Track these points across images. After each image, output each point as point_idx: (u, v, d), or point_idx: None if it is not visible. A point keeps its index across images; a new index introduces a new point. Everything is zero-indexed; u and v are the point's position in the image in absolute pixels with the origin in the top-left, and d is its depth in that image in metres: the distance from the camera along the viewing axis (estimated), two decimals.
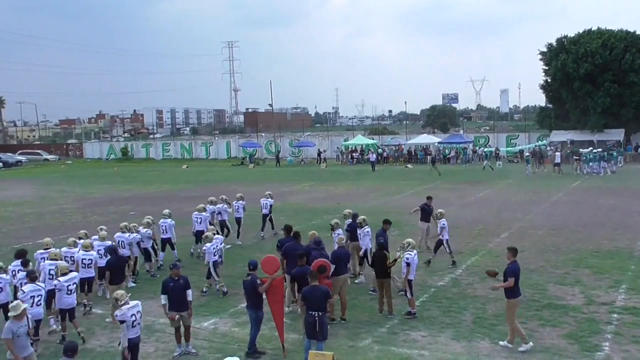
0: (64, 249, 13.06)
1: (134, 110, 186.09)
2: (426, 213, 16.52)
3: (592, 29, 49.09)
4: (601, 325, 10.72)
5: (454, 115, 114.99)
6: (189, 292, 10.04)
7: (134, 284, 14.20)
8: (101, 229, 14.61)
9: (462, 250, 16.82)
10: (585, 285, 13.18)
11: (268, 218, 19.57)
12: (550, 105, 53.87)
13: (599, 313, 11.34)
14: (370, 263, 13.57)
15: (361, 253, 13.96)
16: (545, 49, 50.90)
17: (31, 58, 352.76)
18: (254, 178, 41.76)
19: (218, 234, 17.80)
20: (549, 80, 50.81)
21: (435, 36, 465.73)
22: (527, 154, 44.49)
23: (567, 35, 49.78)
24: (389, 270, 11.65)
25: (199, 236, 16.28)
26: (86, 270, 12.42)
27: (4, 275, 11.05)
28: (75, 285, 10.91)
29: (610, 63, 45.71)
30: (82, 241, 13.20)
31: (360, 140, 58.57)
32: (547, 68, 50.71)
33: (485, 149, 51.90)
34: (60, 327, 10.88)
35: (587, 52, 46.05)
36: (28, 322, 8.54)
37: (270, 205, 19.56)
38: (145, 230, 15.22)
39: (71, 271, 11.50)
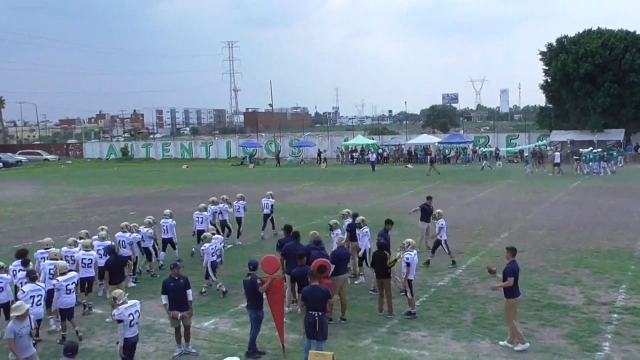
0: (65, 248, 13.07)
1: (134, 110, 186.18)
2: (426, 213, 16.52)
3: (592, 29, 49.12)
4: (601, 325, 10.72)
5: (454, 115, 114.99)
6: (189, 291, 10.04)
7: (134, 284, 14.21)
8: (102, 229, 14.61)
9: (462, 250, 16.82)
10: (585, 285, 13.18)
11: (270, 218, 19.57)
12: (550, 105, 53.88)
13: (599, 313, 11.34)
14: (369, 263, 13.60)
15: (360, 254, 13.93)
16: (545, 49, 50.92)
17: (31, 58, 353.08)
18: (254, 178, 41.76)
19: (219, 233, 17.86)
20: (549, 80, 50.83)
21: (435, 36, 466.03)
22: (527, 153, 44.50)
23: (567, 35, 49.81)
24: (389, 270, 11.65)
25: (199, 236, 16.29)
26: (86, 270, 12.42)
27: (4, 275, 11.05)
28: (74, 285, 10.91)
29: (610, 63, 45.72)
30: (82, 241, 13.20)
31: (360, 140, 58.58)
32: (547, 68, 50.73)
33: (484, 149, 51.91)
34: (60, 327, 10.87)
35: (587, 52, 46.07)
36: (31, 322, 8.53)
37: (272, 205, 19.57)
38: (146, 229, 15.23)
39: (70, 270, 11.52)
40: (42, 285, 10.59)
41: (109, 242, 13.56)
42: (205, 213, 17.14)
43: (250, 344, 9.79)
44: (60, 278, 10.69)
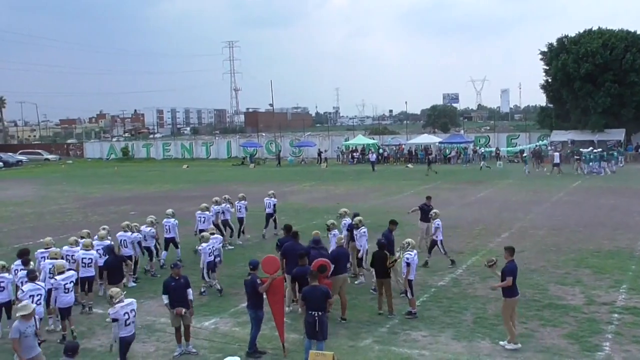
0: (65, 247, 13.09)
1: (135, 110, 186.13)
2: (425, 213, 16.49)
3: (593, 29, 49.08)
4: (602, 325, 10.72)
5: (454, 115, 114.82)
6: (190, 291, 10.06)
7: (134, 284, 14.22)
8: (103, 229, 14.62)
9: (462, 250, 16.82)
10: (585, 285, 13.17)
11: (272, 218, 19.57)
12: (551, 105, 53.83)
13: (599, 313, 11.34)
14: (369, 263, 13.60)
15: (360, 254, 13.88)
16: (545, 49, 50.87)
17: (31, 58, 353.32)
18: (254, 178, 41.77)
19: (221, 234, 17.86)
20: (550, 80, 50.79)
21: (435, 36, 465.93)
22: (525, 153, 44.49)
23: (567, 35, 49.76)
24: (390, 270, 11.65)
25: None
26: (86, 270, 12.42)
27: (6, 275, 11.07)
28: (72, 284, 10.90)
29: (611, 63, 45.69)
30: (82, 240, 13.20)
31: (360, 140, 58.56)
32: (547, 68, 50.68)
33: (483, 149, 51.86)
34: (60, 327, 10.88)
35: (587, 52, 46.04)
36: (36, 322, 8.52)
37: (274, 205, 19.58)
38: (149, 229, 15.23)
39: (70, 270, 11.53)
40: (42, 284, 10.60)
41: (108, 242, 13.57)
42: (207, 213, 17.16)
43: (251, 344, 9.79)
44: (58, 277, 10.70)
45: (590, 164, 38.63)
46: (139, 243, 14.91)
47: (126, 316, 8.62)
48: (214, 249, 13.41)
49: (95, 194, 34.62)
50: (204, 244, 13.22)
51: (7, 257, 13.98)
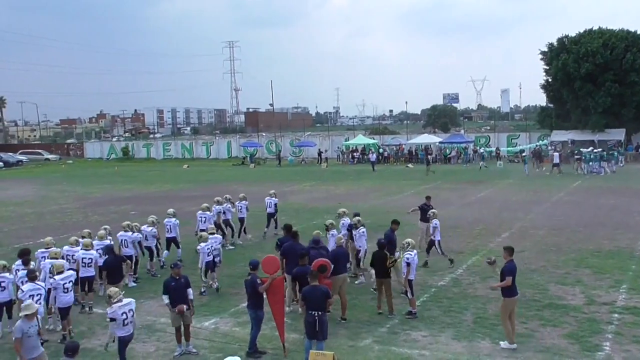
0: (66, 247, 13.09)
1: (135, 110, 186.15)
2: (425, 213, 16.47)
3: (593, 29, 49.08)
4: (602, 325, 10.72)
5: (454, 115, 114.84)
6: (190, 290, 10.07)
7: (134, 284, 14.22)
8: (104, 229, 14.64)
9: (462, 250, 16.82)
10: (586, 285, 13.17)
11: (274, 218, 19.56)
12: (551, 105, 53.82)
13: (599, 313, 11.33)
14: (366, 264, 13.59)
15: (360, 255, 13.85)
16: (546, 49, 50.87)
17: (32, 58, 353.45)
18: (254, 178, 41.78)
19: (223, 234, 17.88)
20: (550, 80, 50.78)
21: (435, 36, 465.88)
22: (524, 153, 44.51)
23: (567, 35, 49.77)
24: (390, 270, 11.65)
25: None
26: (86, 270, 12.42)
27: (6, 274, 11.09)
28: (71, 284, 10.90)
29: (611, 63, 45.68)
30: (83, 240, 13.20)
31: (361, 140, 58.56)
32: (547, 68, 50.68)
33: (482, 149, 51.86)
34: (60, 327, 10.88)
35: (588, 51, 46.04)
36: (38, 322, 8.52)
37: (275, 204, 19.58)
38: (150, 228, 15.23)
39: (70, 269, 11.54)
40: (42, 284, 10.60)
41: (107, 242, 13.57)
42: (208, 213, 17.17)
43: (251, 344, 9.79)
44: (57, 277, 10.70)
45: (590, 163, 38.63)
46: (139, 243, 14.91)
47: (124, 316, 8.62)
48: (212, 248, 13.39)
49: (96, 194, 34.63)
50: (202, 244, 13.22)
51: (7, 257, 13.97)
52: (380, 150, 55.62)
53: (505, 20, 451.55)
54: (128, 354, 9.64)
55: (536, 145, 49.76)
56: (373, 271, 13.56)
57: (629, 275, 13.82)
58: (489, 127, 78.04)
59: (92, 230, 14.84)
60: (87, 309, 12.40)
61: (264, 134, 75.45)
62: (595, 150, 40.09)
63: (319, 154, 55.93)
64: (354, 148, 57.18)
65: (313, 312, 9.03)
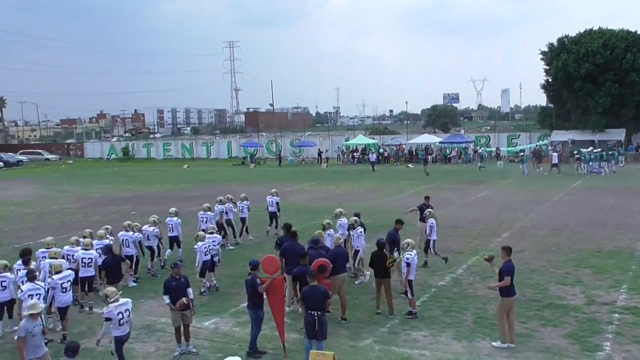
0: (66, 247, 13.10)
1: (135, 110, 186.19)
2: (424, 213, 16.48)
3: (593, 29, 49.09)
4: (602, 325, 10.71)
5: (455, 115, 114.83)
6: (190, 290, 10.07)
7: (135, 284, 14.22)
8: (105, 228, 14.65)
9: (462, 250, 16.82)
10: (586, 285, 13.17)
11: (276, 217, 19.51)
12: (551, 105, 53.82)
13: (600, 313, 11.33)
14: (360, 264, 13.55)
15: (359, 255, 13.80)
16: (546, 49, 50.88)
17: (32, 58, 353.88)
18: (255, 178, 41.78)
19: (225, 233, 17.89)
20: (550, 80, 50.79)
21: (435, 36, 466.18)
22: (522, 153, 44.53)
23: (568, 35, 49.78)
24: (390, 270, 11.65)
25: None
26: (86, 270, 12.42)
27: (7, 274, 11.10)
28: (69, 283, 10.90)
29: (611, 63, 45.69)
30: (83, 240, 13.20)
31: (361, 140, 58.55)
32: (548, 68, 50.69)
33: (481, 149, 51.89)
34: (61, 327, 10.88)
35: (588, 51, 46.04)
36: (42, 321, 8.52)
37: (277, 203, 19.57)
38: (152, 228, 15.23)
39: (70, 269, 11.53)
40: (42, 284, 10.60)
41: (106, 241, 13.56)
42: (209, 213, 17.17)
43: (251, 344, 9.79)
44: (55, 276, 10.70)
45: (590, 163, 38.63)
46: (140, 243, 14.91)
47: (120, 316, 8.62)
48: (210, 248, 13.38)
49: (96, 194, 34.63)
50: (199, 243, 13.21)
51: (7, 256, 13.95)
52: (381, 150, 55.62)
53: (505, 20, 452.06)
54: (128, 354, 9.66)
55: (536, 145, 49.77)
56: (368, 272, 13.63)
57: (629, 275, 13.82)
58: (489, 127, 78.04)
59: (93, 230, 14.84)
60: (87, 308, 12.40)
61: (264, 134, 75.45)
62: (595, 151, 40.08)
63: (319, 154, 55.95)
64: (354, 148, 57.17)
65: (312, 312, 9.04)
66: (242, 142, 67.69)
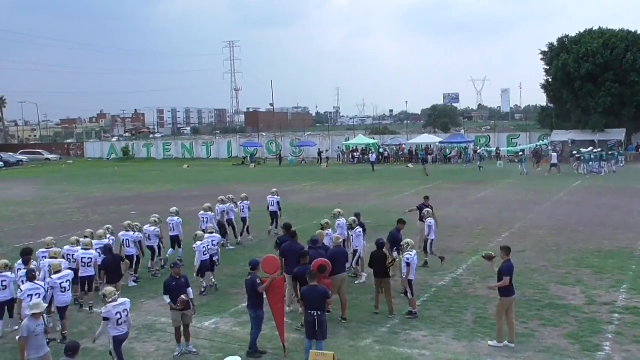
0: (67, 247, 13.10)
1: (135, 110, 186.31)
2: None
3: (593, 29, 49.09)
4: (602, 325, 10.71)
5: (455, 115, 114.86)
6: (190, 290, 10.07)
7: (135, 284, 14.22)
8: (107, 228, 14.66)
9: (462, 250, 16.82)
10: (586, 285, 13.16)
11: (277, 216, 19.50)
12: (552, 105, 53.81)
13: (600, 313, 11.33)
14: (364, 264, 13.53)
15: (358, 255, 13.77)
16: (546, 49, 50.88)
17: (32, 58, 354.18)
18: (255, 178, 41.77)
19: (225, 233, 17.88)
20: (550, 80, 50.78)
21: (435, 36, 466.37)
22: (521, 153, 44.54)
23: (568, 35, 49.78)
24: (389, 270, 11.65)
25: None
26: (86, 269, 12.42)
27: (8, 273, 11.10)
28: (68, 283, 10.90)
29: (612, 63, 45.69)
30: (83, 240, 13.20)
31: (361, 140, 58.55)
32: (548, 68, 50.68)
33: (480, 149, 51.87)
34: (60, 326, 10.88)
35: (588, 51, 46.03)
36: (45, 320, 8.52)
37: (278, 202, 19.55)
38: (153, 228, 15.23)
39: (70, 269, 11.52)
40: (41, 284, 10.60)
41: (106, 241, 13.55)
42: (210, 213, 17.17)
43: (252, 344, 9.79)
44: (54, 276, 10.71)
45: (590, 163, 38.62)
46: (140, 242, 14.91)
47: (118, 316, 8.62)
48: (208, 248, 13.37)
49: (96, 194, 34.62)
50: (198, 242, 13.22)
51: (8, 256, 13.96)
52: (381, 150, 55.61)
53: (505, 20, 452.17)
54: (128, 354, 9.67)
55: (536, 145, 49.75)
56: (365, 274, 13.62)
57: (629, 275, 13.81)
58: (489, 127, 78.06)
59: (94, 231, 14.84)
60: (87, 308, 12.39)
61: (264, 134, 75.49)
62: (595, 151, 40.07)
63: (319, 154, 55.95)
64: (354, 148, 57.18)
65: (312, 312, 9.04)
66: (242, 142, 67.71)
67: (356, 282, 13.73)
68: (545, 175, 37.13)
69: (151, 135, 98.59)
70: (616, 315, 11.18)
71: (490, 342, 9.89)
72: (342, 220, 14.60)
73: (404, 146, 56.59)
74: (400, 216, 14.57)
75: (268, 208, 19.51)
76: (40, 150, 74.19)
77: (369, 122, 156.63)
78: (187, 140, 75.96)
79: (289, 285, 11.48)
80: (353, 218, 14.11)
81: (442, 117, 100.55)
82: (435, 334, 10.52)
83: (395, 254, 12.40)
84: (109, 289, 9.15)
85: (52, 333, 10.74)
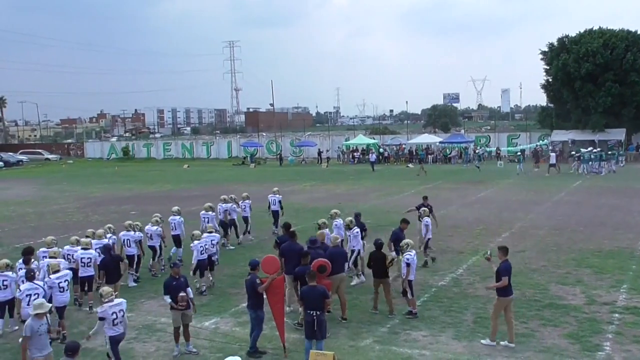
0: (67, 247, 13.09)
1: (135, 110, 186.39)
2: None
3: (593, 29, 49.11)
4: (602, 325, 10.71)
5: (455, 115, 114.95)
6: (189, 290, 10.08)
7: (135, 284, 14.21)
8: (109, 228, 14.65)
9: (463, 250, 16.82)
10: (586, 285, 13.16)
11: (279, 216, 19.49)
12: (552, 105, 53.83)
13: (600, 313, 11.33)
14: (353, 263, 13.50)
15: (358, 255, 13.71)
16: (546, 49, 50.89)
17: (32, 57, 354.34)
18: (255, 178, 41.77)
19: (226, 233, 17.87)
20: (550, 79, 50.80)
21: (435, 36, 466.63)
22: (519, 153, 44.54)
23: (568, 35, 49.81)
24: (388, 269, 11.65)
25: None
26: (85, 269, 12.41)
27: (9, 273, 11.11)
28: (67, 283, 10.90)
29: (612, 63, 45.70)
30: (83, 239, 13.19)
31: (361, 140, 58.56)
32: (548, 68, 50.70)
33: (479, 149, 51.81)
34: (59, 326, 10.87)
35: (588, 51, 46.05)
36: (48, 320, 8.52)
37: (279, 201, 19.52)
38: (155, 227, 15.22)
39: (70, 269, 11.51)
40: (40, 283, 10.59)
41: (105, 241, 13.55)
42: (211, 213, 17.16)
43: (252, 344, 9.79)
44: (52, 276, 10.71)
45: (590, 163, 38.60)
46: (140, 242, 14.91)
47: (114, 315, 8.62)
48: (206, 247, 13.36)
49: (96, 194, 34.62)
50: (195, 241, 13.22)
51: (8, 256, 13.94)
52: (381, 150, 55.60)
53: (505, 20, 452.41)
54: (128, 354, 9.68)
55: (536, 145, 49.74)
56: (362, 277, 13.60)
57: (629, 275, 13.81)
58: (489, 127, 78.08)
59: (95, 230, 14.83)
60: (87, 308, 12.38)
61: (264, 134, 75.51)
62: (594, 150, 40.07)
63: (319, 153, 55.94)
64: (354, 148, 57.17)
65: (311, 312, 9.04)
66: (242, 142, 67.72)
67: (352, 283, 13.56)
68: (545, 176, 37.13)
69: (151, 135, 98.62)
70: (616, 315, 11.18)
71: (483, 341, 9.91)
72: (339, 221, 14.57)
73: (404, 146, 56.59)
74: (400, 216, 14.54)
75: (269, 207, 19.49)
76: (40, 150, 74.18)
77: (369, 122, 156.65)
78: (187, 140, 75.97)
79: (289, 285, 11.48)
80: (350, 218, 14.08)
81: (442, 117, 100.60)
82: (435, 334, 10.52)
83: (393, 253, 12.39)
84: (106, 288, 9.15)
85: (54, 333, 10.77)
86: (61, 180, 45.06)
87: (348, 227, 13.83)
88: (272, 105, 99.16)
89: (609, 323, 10.77)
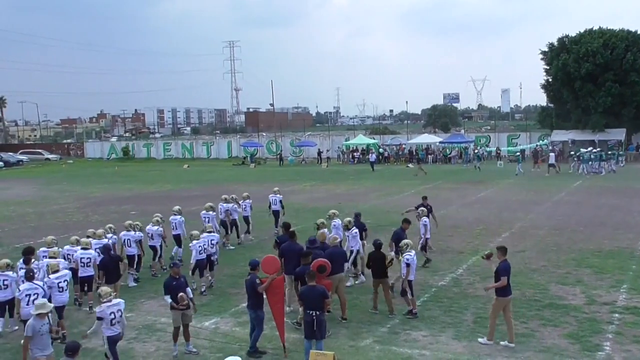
0: (67, 247, 13.10)
1: (135, 110, 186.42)
2: None
3: (593, 29, 49.11)
4: (602, 325, 10.71)
5: (455, 115, 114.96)
6: (189, 289, 10.08)
7: (135, 284, 14.21)
8: (109, 227, 14.65)
9: (463, 250, 16.82)
10: (586, 285, 13.16)
11: (280, 215, 19.50)
12: (552, 105, 53.82)
13: (600, 313, 11.33)
14: (352, 264, 13.49)
15: (356, 255, 13.68)
16: (546, 49, 50.88)
17: (32, 57, 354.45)
18: (255, 178, 41.76)
19: (226, 233, 17.86)
20: (550, 79, 50.79)
21: (435, 36, 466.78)
22: (518, 153, 44.54)
23: (568, 35, 49.80)
24: (387, 270, 11.66)
25: None
26: (85, 269, 12.40)
27: (9, 273, 11.11)
28: (66, 283, 10.89)
29: (612, 63, 45.70)
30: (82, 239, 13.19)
31: (361, 140, 58.55)
32: (548, 68, 50.69)
33: (478, 149, 51.82)
34: (59, 326, 10.86)
35: (588, 51, 46.05)
36: (49, 320, 8.52)
37: (280, 201, 19.52)
38: (156, 227, 15.22)
39: (70, 269, 11.50)
40: (40, 283, 10.59)
41: (105, 240, 13.55)
42: (211, 212, 17.16)
43: (252, 344, 9.79)
44: (52, 276, 10.72)
45: (590, 163, 38.60)
46: (141, 242, 14.91)
47: (112, 315, 8.62)
48: (204, 247, 13.36)
49: (96, 194, 34.61)
50: (194, 241, 13.22)
51: (8, 256, 13.94)
52: (381, 150, 55.59)
53: (505, 20, 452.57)
54: (128, 354, 9.69)
55: (536, 145, 49.74)
56: (360, 277, 13.59)
57: (629, 275, 13.81)
58: (489, 127, 78.07)
59: (96, 230, 14.83)
60: (86, 308, 12.38)
61: (264, 134, 75.51)
62: (594, 150, 40.06)
63: (319, 153, 55.93)
64: (354, 148, 57.17)
65: (311, 312, 9.04)
66: (242, 142, 67.71)
67: (347, 283, 13.41)
68: (545, 176, 37.12)
69: (151, 135, 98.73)
70: (616, 315, 11.18)
71: (480, 339, 9.92)
72: (337, 221, 14.55)
73: (404, 146, 56.58)
74: (400, 216, 14.54)
75: (270, 207, 19.48)
76: (40, 150, 74.17)
77: (369, 122, 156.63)
78: (187, 140, 75.95)
79: (289, 285, 11.48)
80: (349, 219, 14.07)
81: (442, 117, 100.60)
82: (435, 334, 10.52)
83: (392, 253, 12.38)
84: (105, 288, 9.15)
85: (55, 333, 10.78)
86: (61, 180, 45.06)
87: (346, 228, 13.82)
88: (272, 105, 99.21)
89: (609, 323, 10.77)
